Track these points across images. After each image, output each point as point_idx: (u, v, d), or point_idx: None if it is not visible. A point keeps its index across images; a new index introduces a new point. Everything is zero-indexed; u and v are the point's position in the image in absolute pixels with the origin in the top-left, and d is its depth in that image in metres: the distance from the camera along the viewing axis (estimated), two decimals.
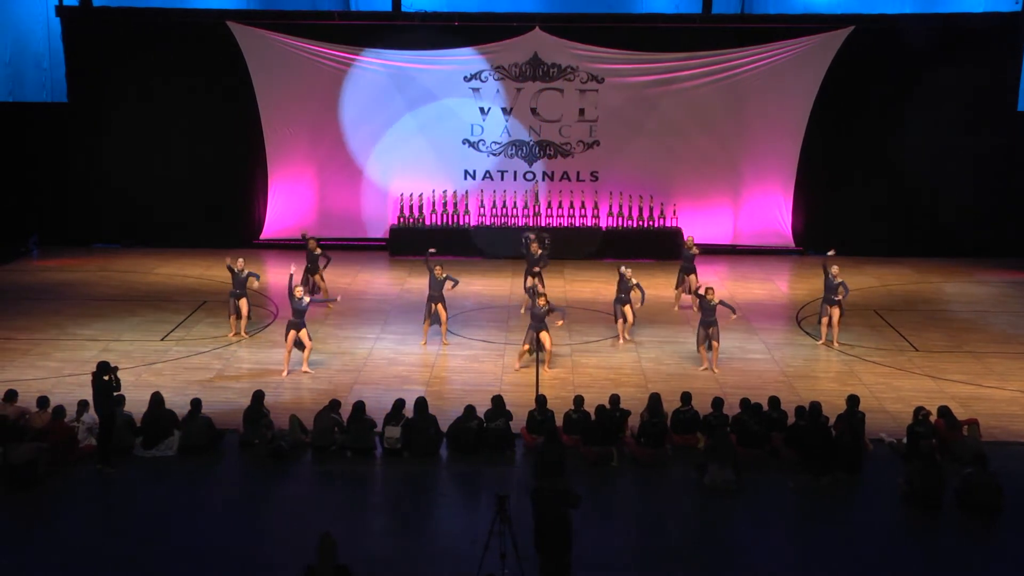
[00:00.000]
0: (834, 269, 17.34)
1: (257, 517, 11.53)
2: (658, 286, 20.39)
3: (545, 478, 11.18)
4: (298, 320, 15.79)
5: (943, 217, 23.94)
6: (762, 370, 16.17)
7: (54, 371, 15.72)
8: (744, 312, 19.38)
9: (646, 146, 24.07)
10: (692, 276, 19.13)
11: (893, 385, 15.53)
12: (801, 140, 23.83)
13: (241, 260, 17.70)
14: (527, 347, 15.93)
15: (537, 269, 18.75)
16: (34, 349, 16.78)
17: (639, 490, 12.43)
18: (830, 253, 17.93)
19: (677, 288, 19.46)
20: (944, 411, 13.31)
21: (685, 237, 19.73)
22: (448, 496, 12.40)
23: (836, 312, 17.24)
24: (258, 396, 13.42)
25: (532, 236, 19.38)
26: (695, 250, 19.11)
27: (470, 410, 13.18)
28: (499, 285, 21.23)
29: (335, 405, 13.29)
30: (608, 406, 13.19)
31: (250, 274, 17.57)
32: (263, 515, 11.58)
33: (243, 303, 17.47)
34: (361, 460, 12.81)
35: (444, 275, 17.10)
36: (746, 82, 23.55)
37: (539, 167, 24.25)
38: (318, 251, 19.32)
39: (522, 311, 18.84)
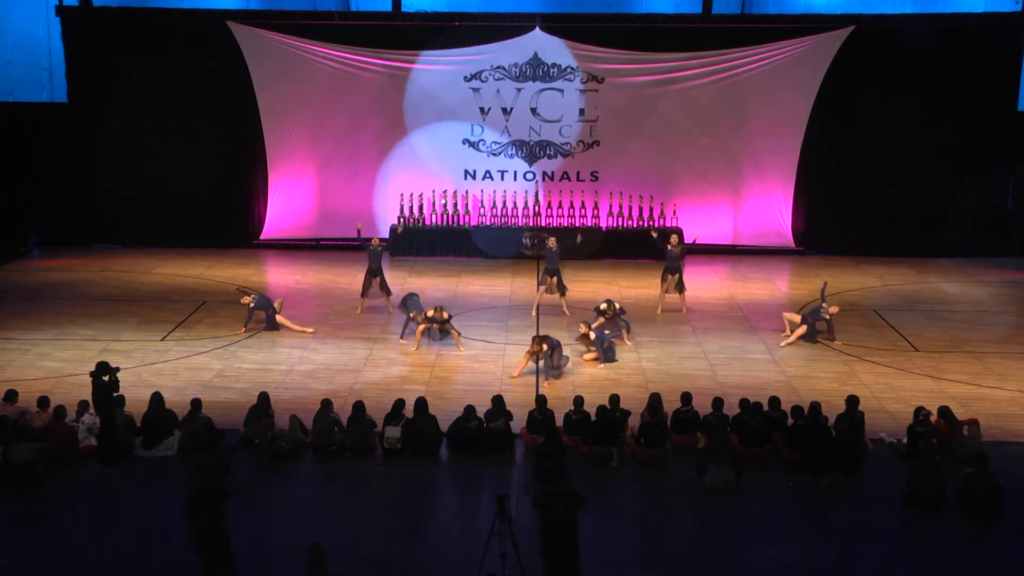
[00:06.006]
0: (833, 309, 17.49)
1: (257, 517, 11.51)
2: (657, 286, 20.38)
3: (548, 481, 11.18)
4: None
5: (943, 217, 23.94)
6: (762, 370, 16.16)
7: (54, 371, 15.72)
8: (744, 312, 19.41)
9: (646, 146, 24.08)
10: (675, 276, 18.89)
11: (893, 385, 15.52)
12: (801, 140, 23.83)
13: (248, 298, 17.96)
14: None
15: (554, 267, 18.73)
16: (34, 349, 16.78)
17: (639, 490, 12.43)
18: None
19: (662, 286, 19.23)
20: (944, 411, 13.31)
21: (672, 237, 19.24)
22: (448, 496, 12.40)
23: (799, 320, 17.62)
24: (264, 396, 13.43)
25: (547, 235, 19.31)
26: (677, 250, 18.86)
27: (470, 410, 13.17)
28: (499, 285, 21.23)
29: (328, 404, 13.29)
30: (608, 406, 13.19)
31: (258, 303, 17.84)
32: (263, 515, 11.57)
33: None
34: (361, 460, 12.81)
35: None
36: (746, 82, 23.55)
37: (539, 167, 24.27)
38: (381, 247, 18.95)
39: (533, 313, 18.76)
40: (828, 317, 17.38)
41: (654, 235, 18.39)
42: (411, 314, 17.14)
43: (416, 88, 23.76)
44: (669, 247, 18.92)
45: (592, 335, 16.36)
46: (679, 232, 19.40)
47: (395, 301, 18.65)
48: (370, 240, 18.97)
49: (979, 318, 19.23)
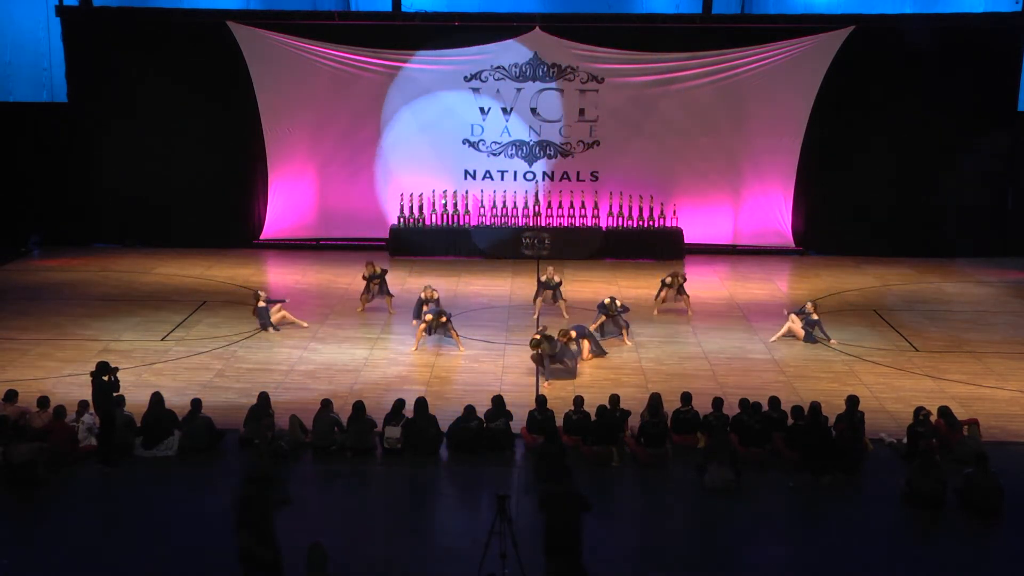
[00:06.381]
0: (808, 307, 17.61)
1: None
2: (656, 286, 20.36)
3: (550, 482, 11.18)
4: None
5: (943, 217, 23.94)
6: (762, 370, 16.16)
7: (54, 371, 15.72)
8: (744, 312, 19.41)
9: (646, 146, 24.08)
10: (673, 288, 18.96)
11: (893, 385, 15.52)
12: (801, 140, 23.83)
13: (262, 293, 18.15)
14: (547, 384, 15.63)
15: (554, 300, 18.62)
16: (34, 349, 16.78)
17: (639, 490, 12.44)
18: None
19: (657, 298, 19.18)
20: (944, 411, 13.31)
21: (677, 273, 19.26)
22: (448, 496, 12.40)
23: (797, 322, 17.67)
24: (264, 396, 13.43)
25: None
26: (681, 281, 19.01)
27: (470, 410, 13.17)
28: (499, 285, 21.22)
29: (328, 404, 13.29)
30: (608, 406, 13.19)
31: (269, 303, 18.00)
32: None
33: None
34: (361, 460, 12.81)
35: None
36: (746, 82, 23.55)
37: (539, 167, 24.27)
38: (379, 270, 18.98)
39: (534, 316, 18.63)
40: (816, 318, 17.46)
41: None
42: (423, 294, 17.58)
43: (416, 88, 23.77)
44: (669, 280, 19.03)
45: (574, 333, 16.35)
46: (682, 274, 19.36)
47: (396, 303, 18.72)
48: (369, 264, 19.04)
49: (979, 318, 19.22)
